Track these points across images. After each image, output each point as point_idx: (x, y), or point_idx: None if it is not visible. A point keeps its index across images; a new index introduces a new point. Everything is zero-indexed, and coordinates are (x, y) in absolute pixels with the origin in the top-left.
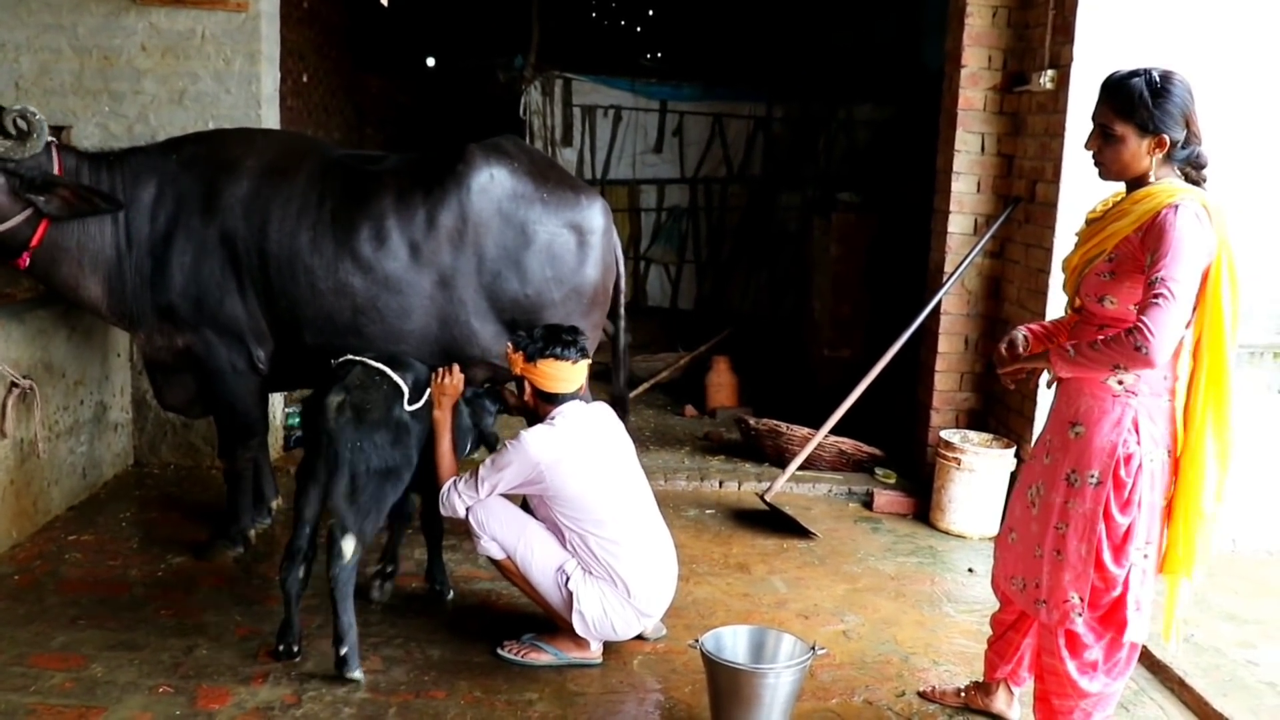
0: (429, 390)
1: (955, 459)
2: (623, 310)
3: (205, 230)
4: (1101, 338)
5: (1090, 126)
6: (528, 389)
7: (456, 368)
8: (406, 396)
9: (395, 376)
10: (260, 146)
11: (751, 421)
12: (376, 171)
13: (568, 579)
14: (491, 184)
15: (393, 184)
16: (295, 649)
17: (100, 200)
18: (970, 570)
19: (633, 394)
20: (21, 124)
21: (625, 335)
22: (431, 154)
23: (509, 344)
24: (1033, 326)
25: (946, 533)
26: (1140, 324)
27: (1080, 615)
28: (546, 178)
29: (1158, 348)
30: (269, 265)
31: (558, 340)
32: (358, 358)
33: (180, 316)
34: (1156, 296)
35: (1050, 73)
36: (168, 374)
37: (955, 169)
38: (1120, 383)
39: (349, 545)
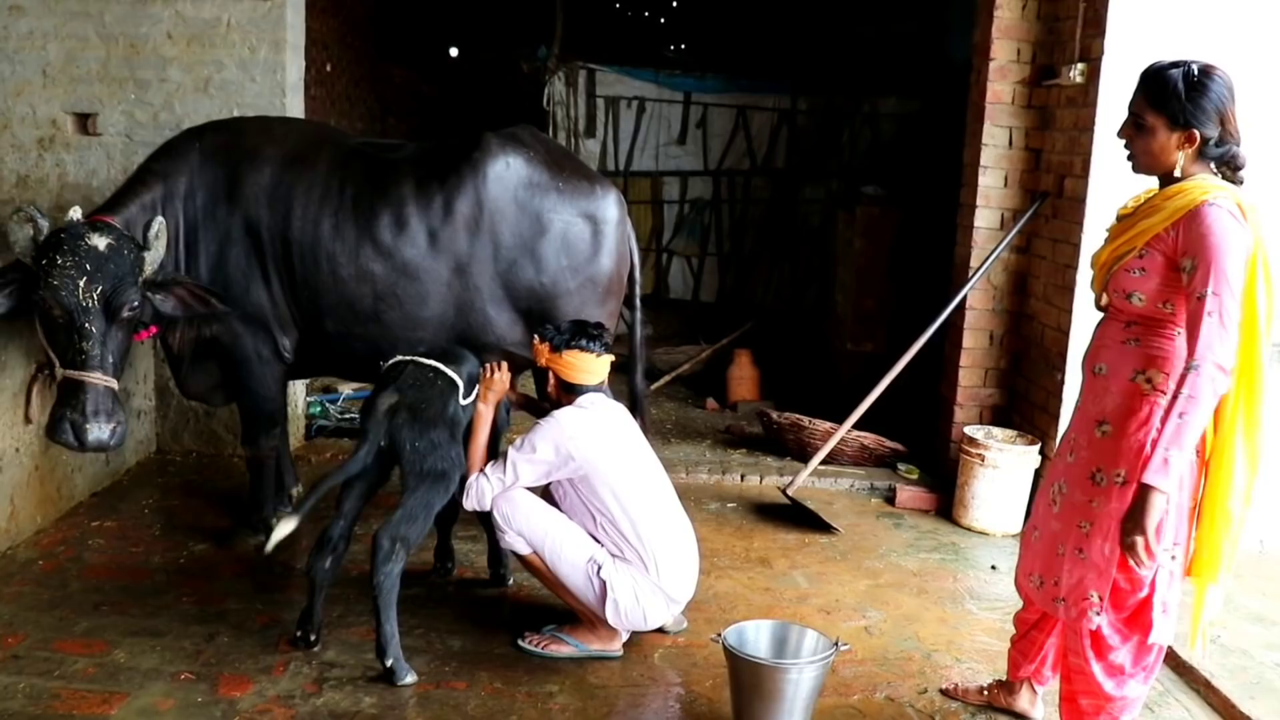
0: (478, 385)
1: (979, 455)
2: (639, 303)
3: (230, 219)
4: (1179, 411)
5: (1121, 120)
6: (551, 379)
7: (505, 364)
8: (461, 390)
9: (450, 371)
10: (279, 135)
11: (773, 415)
12: (395, 159)
13: (599, 568)
14: (507, 172)
15: (411, 171)
16: (314, 638)
17: (214, 300)
18: (993, 567)
19: (654, 386)
20: (152, 234)
21: (642, 329)
22: (448, 142)
23: (535, 335)
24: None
25: (969, 529)
26: (1207, 364)
27: (1099, 615)
28: (562, 167)
29: (1231, 369)
30: (292, 252)
31: (584, 333)
32: (409, 357)
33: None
34: (1210, 315)
35: (1080, 66)
36: (191, 363)
37: (982, 163)
38: (1149, 381)
39: (394, 551)
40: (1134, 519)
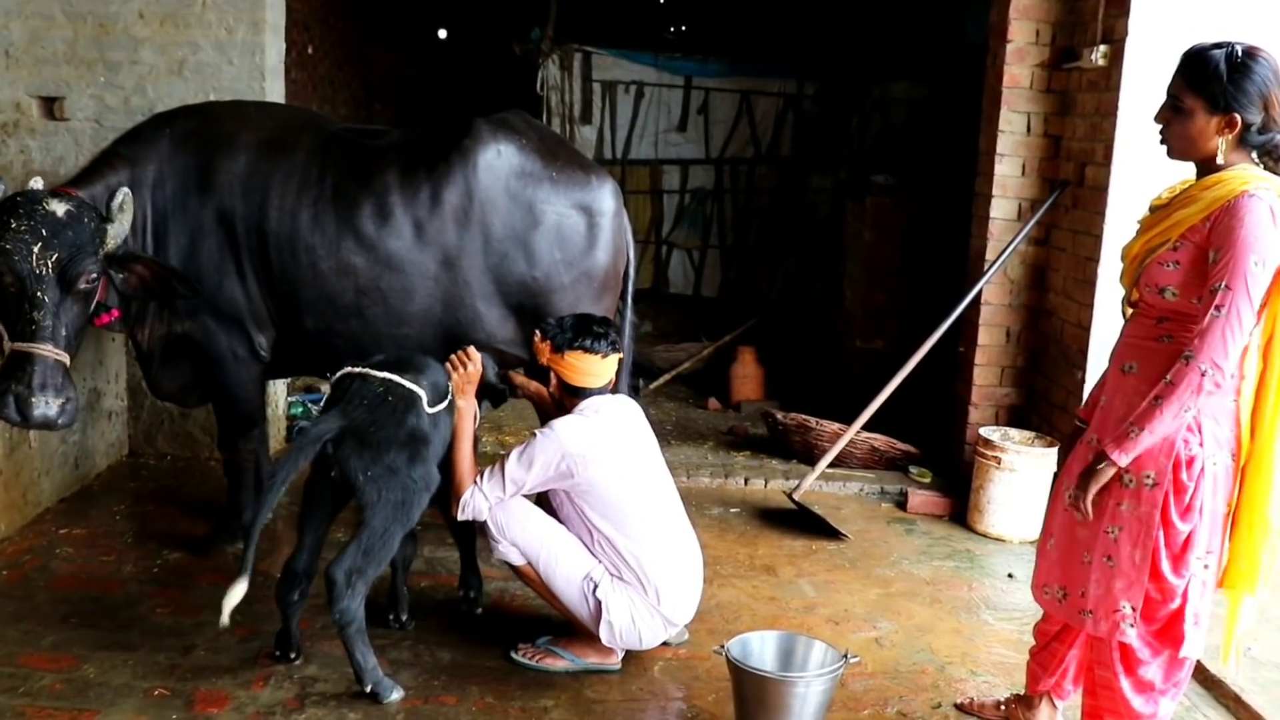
0: (449, 391)
1: (995, 458)
2: (631, 300)
3: (202, 210)
4: (1155, 394)
5: (1150, 104)
6: (553, 380)
7: (472, 349)
8: (426, 400)
9: (406, 383)
10: (255, 120)
11: (779, 415)
12: (379, 147)
13: (595, 586)
14: (499, 160)
15: (396, 159)
16: (293, 655)
17: (179, 285)
18: (1010, 576)
19: (653, 385)
20: (116, 205)
21: (632, 326)
22: (436, 128)
23: (537, 331)
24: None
25: (985, 535)
26: (1202, 358)
27: (1132, 626)
28: (556, 156)
29: (1230, 372)
30: (268, 245)
31: (588, 332)
32: (358, 368)
33: (178, 302)
34: (1218, 309)
35: (1103, 48)
36: (162, 362)
37: (999, 150)
38: None
39: (350, 586)
40: (1083, 480)
